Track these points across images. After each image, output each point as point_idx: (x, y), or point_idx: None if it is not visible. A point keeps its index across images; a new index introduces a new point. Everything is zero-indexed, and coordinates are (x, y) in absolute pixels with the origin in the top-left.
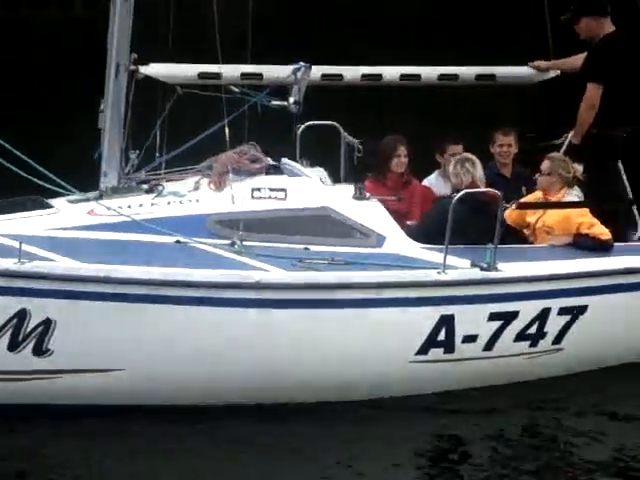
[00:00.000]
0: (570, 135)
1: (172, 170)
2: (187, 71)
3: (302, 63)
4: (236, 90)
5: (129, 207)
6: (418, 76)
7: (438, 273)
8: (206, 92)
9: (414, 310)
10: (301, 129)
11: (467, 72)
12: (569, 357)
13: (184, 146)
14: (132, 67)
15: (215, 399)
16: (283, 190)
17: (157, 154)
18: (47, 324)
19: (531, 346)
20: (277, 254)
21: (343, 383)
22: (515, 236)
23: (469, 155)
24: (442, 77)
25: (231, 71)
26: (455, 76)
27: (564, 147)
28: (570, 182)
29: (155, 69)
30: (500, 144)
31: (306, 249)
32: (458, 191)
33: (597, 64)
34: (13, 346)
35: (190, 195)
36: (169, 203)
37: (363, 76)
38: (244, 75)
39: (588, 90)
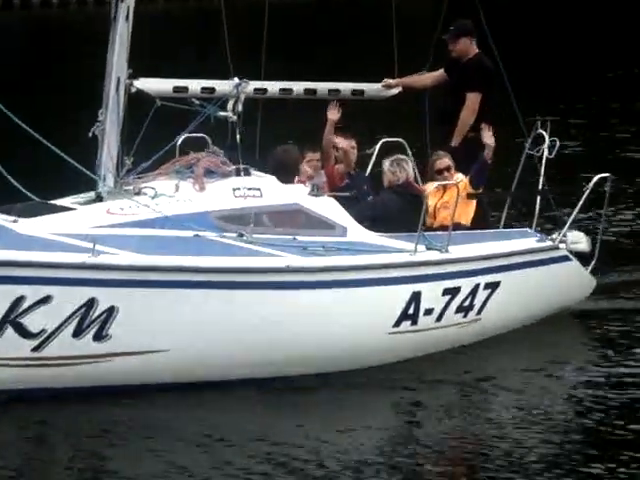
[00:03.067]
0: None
1: (150, 174)
2: (166, 85)
3: (237, 79)
4: (196, 102)
5: (138, 207)
6: (315, 90)
7: (410, 255)
8: (177, 104)
9: (394, 287)
10: (180, 140)
11: (346, 87)
12: (484, 326)
13: (161, 151)
14: (127, 81)
15: (245, 373)
16: (258, 189)
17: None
18: (110, 311)
19: (464, 317)
20: (277, 243)
21: (341, 353)
22: None
23: (402, 155)
24: (330, 91)
25: (195, 85)
26: (338, 91)
27: (374, 156)
28: None
29: (144, 83)
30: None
31: (294, 239)
32: (392, 187)
33: (477, 77)
34: (77, 332)
35: (178, 195)
36: (169, 203)
37: (280, 90)
38: (203, 89)
39: (470, 99)
